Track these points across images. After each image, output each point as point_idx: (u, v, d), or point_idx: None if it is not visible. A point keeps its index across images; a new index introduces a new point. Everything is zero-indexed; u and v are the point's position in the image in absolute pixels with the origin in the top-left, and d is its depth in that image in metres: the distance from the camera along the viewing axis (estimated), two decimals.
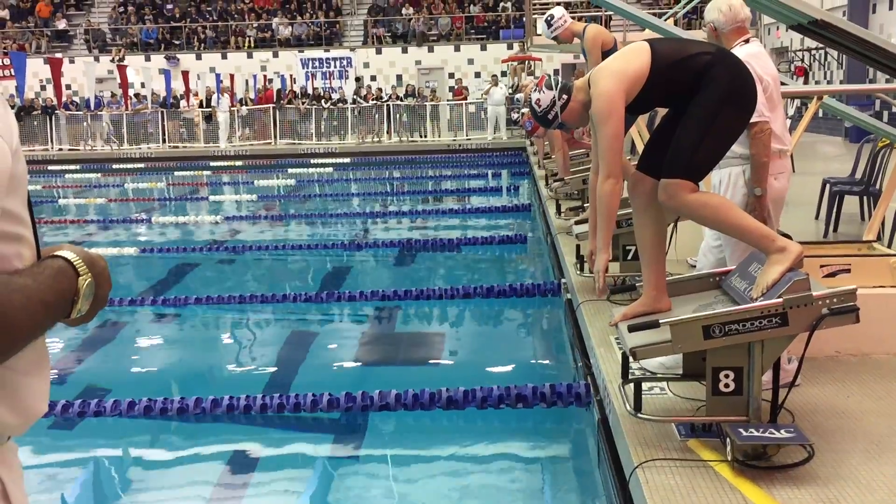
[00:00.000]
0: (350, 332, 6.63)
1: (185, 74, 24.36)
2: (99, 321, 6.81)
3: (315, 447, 4.38)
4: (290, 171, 18.64)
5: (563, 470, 4.09)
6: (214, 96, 23.27)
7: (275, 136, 23.16)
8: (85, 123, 23.57)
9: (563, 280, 6.30)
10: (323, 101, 23.74)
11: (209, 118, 23.19)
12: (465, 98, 23.57)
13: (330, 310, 7.02)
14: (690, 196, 3.25)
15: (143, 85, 25.03)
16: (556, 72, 25.94)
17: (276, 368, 5.66)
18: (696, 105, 3.24)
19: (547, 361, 5.75)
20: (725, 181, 3.99)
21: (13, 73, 22.56)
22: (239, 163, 20.61)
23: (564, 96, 3.49)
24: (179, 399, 4.54)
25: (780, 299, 2.85)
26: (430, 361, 5.81)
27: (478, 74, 26.78)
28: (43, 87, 26.75)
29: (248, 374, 5.68)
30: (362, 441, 4.42)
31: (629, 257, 5.38)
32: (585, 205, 6.64)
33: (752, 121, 3.63)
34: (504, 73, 26.01)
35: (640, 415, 3.15)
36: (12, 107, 23.31)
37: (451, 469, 4.07)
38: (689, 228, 5.67)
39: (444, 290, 6.90)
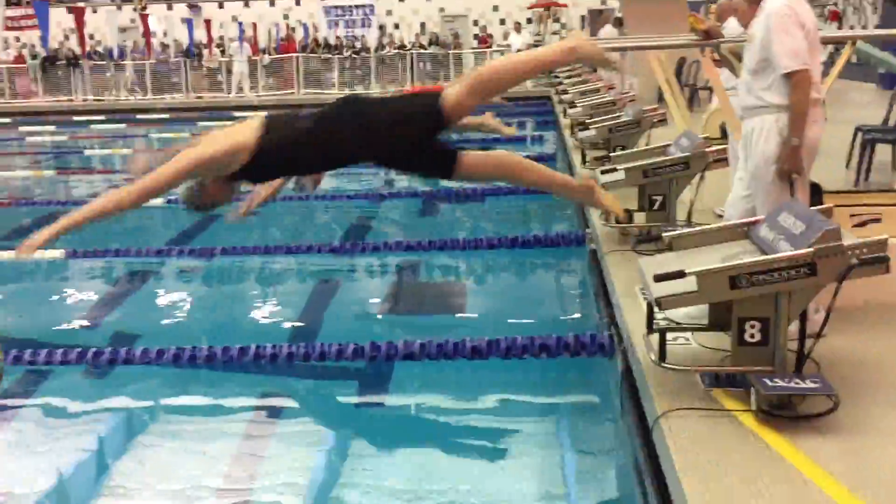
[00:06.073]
0: (374, 283, 6.67)
1: (208, 23, 24.21)
2: (127, 272, 6.92)
3: (340, 396, 4.44)
4: None
5: (587, 419, 4.11)
6: (233, 44, 23.10)
7: (297, 86, 23.04)
8: (109, 73, 23.58)
9: (587, 230, 6.27)
10: (345, 49, 23.54)
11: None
12: (490, 46, 23.25)
13: (354, 260, 7.05)
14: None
15: (165, 34, 24.92)
16: (582, 18, 25.48)
17: (301, 318, 5.71)
18: None
19: (571, 312, 5.75)
20: (758, 130, 3.91)
21: (37, 23, 22.59)
22: (262, 113, 20.54)
23: None
24: (207, 347, 4.61)
25: (810, 249, 2.81)
26: (455, 312, 5.83)
27: (503, 21, 26.36)
28: (66, 37, 26.72)
29: (275, 323, 5.74)
30: (387, 390, 4.47)
31: (655, 207, 5.34)
32: (611, 154, 6.57)
33: (794, 68, 3.56)
34: (530, 21, 25.59)
35: (664, 364, 3.15)
36: (34, 57, 23.55)
37: (474, 418, 4.11)
38: (716, 178, 5.61)
39: (469, 240, 6.89)
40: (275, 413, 4.30)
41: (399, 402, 4.33)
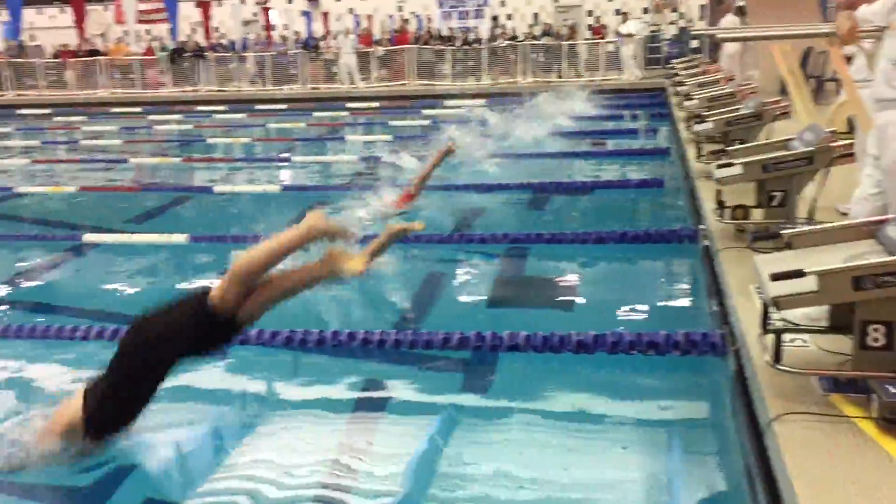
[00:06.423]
0: (481, 274, 6.69)
1: (325, 16, 24.81)
2: None
3: (445, 384, 4.48)
4: (423, 111, 18.76)
5: (695, 420, 4.01)
6: (340, 36, 23.57)
7: (409, 77, 23.32)
8: (232, 65, 24.51)
9: (700, 226, 6.10)
10: (457, 41, 23.66)
11: None
12: (604, 37, 22.90)
13: (462, 251, 7.09)
14: None
15: (285, 27, 25.67)
16: (702, 7, 24.74)
17: (409, 306, 5.79)
18: None
19: (681, 309, 5.61)
20: (895, 124, 3.70)
21: (166, 17, 23.69)
22: (375, 104, 20.92)
23: None
24: (318, 332, 4.74)
25: None
26: (561, 305, 5.79)
27: (618, 11, 25.90)
28: (193, 31, 27.93)
29: (383, 310, 5.84)
30: (491, 381, 4.48)
31: (774, 204, 5.15)
32: (728, 148, 6.36)
33: None
34: (646, 11, 25.04)
35: (779, 366, 3.04)
36: (163, 49, 24.78)
37: (578, 414, 4.06)
38: (841, 174, 5.35)
39: (577, 233, 6.82)
40: (380, 398, 4.38)
41: (503, 394, 4.33)
